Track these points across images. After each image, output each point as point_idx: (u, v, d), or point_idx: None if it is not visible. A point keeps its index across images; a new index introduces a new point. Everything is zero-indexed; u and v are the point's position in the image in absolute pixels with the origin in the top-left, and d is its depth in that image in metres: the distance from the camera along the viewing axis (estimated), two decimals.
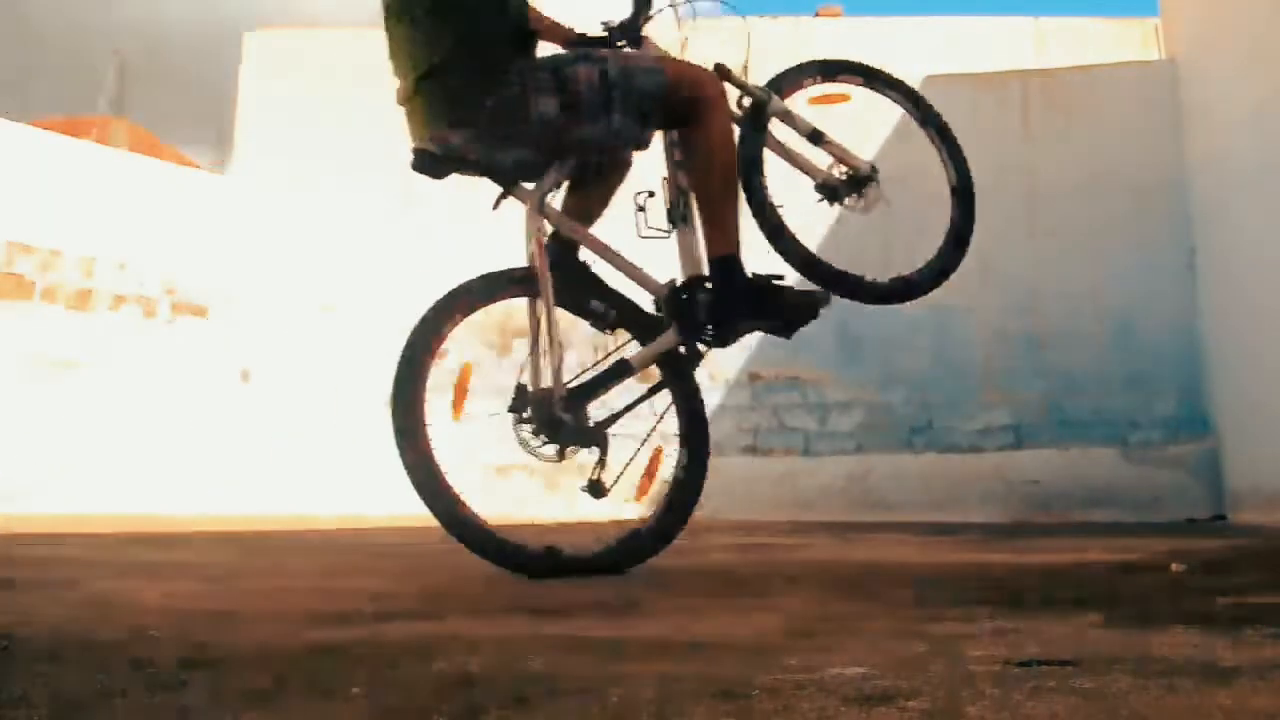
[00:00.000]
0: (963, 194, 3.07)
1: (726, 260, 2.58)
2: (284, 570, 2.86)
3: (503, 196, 2.68)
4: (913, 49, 9.40)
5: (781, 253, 2.80)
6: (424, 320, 2.48)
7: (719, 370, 7.47)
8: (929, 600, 2.12)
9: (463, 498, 2.47)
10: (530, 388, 2.54)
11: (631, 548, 2.62)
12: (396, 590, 2.38)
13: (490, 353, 7.94)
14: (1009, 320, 7.28)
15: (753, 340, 7.38)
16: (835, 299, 2.77)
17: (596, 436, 2.57)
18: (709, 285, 2.62)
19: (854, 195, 2.95)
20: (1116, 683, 1.17)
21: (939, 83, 7.68)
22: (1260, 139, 5.83)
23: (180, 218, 7.31)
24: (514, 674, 1.28)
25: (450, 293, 2.57)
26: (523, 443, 2.52)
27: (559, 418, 2.50)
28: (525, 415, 2.52)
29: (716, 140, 2.61)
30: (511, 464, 7.66)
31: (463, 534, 2.47)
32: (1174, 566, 2.66)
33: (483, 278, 2.63)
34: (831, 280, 2.83)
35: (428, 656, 1.40)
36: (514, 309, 7.94)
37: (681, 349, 2.69)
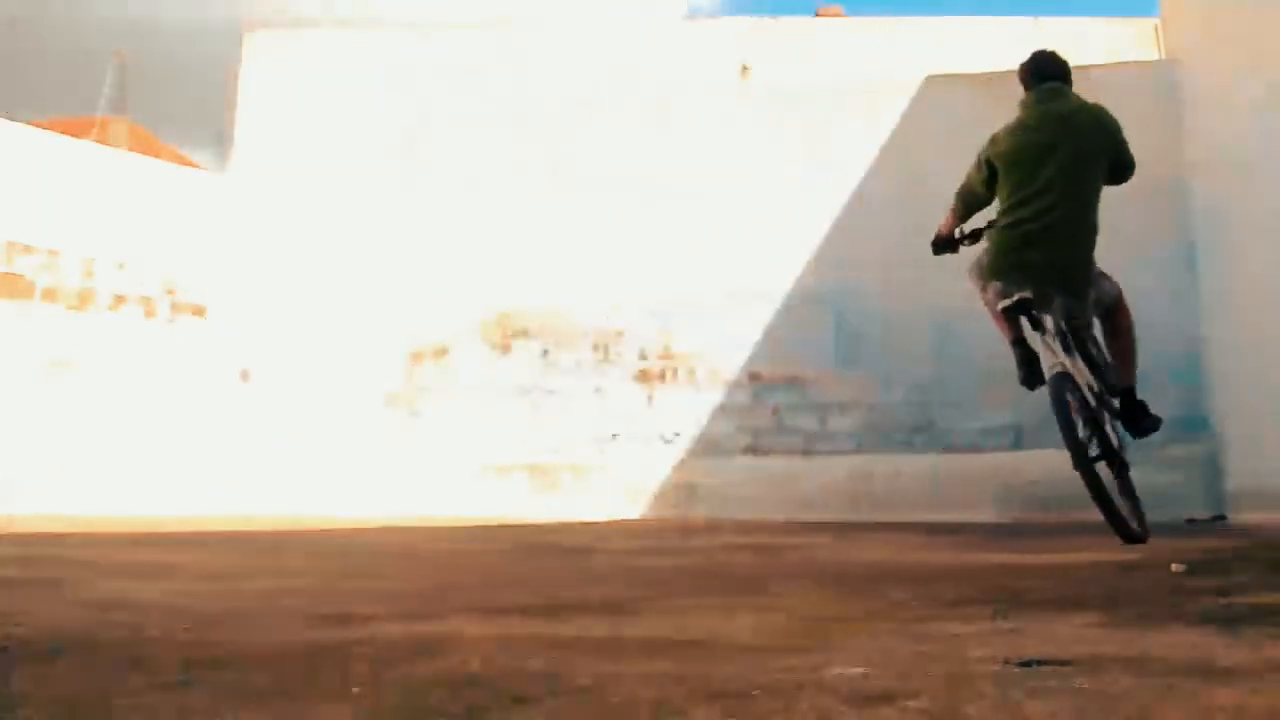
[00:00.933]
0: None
1: (1131, 389, 3.96)
2: (284, 570, 2.86)
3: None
4: (913, 49, 9.40)
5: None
6: (1059, 404, 3.75)
7: (719, 370, 7.47)
8: (929, 600, 2.12)
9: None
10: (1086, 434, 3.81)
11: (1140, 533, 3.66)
12: (397, 590, 2.38)
13: (493, 353, 7.95)
14: None
15: (753, 340, 7.36)
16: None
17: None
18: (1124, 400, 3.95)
19: None
20: (1116, 683, 1.17)
21: (939, 83, 7.68)
22: (1260, 139, 5.82)
23: (180, 217, 7.30)
24: (514, 674, 1.28)
25: (1061, 386, 3.72)
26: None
27: (1123, 459, 3.89)
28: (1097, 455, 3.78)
29: (1128, 321, 4.06)
30: (511, 464, 7.66)
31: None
32: (1174, 566, 2.66)
33: (1061, 376, 3.76)
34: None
35: (428, 656, 1.40)
36: (513, 314, 7.82)
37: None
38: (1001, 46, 9.26)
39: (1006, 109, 7.56)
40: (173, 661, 1.35)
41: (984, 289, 3.95)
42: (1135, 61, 8.38)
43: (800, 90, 8.02)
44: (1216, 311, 6.68)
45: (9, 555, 3.09)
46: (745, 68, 9.42)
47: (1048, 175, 3.72)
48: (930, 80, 7.69)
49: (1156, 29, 8.68)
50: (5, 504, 5.88)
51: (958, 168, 7.56)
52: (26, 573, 2.62)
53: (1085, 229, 3.82)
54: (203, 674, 1.28)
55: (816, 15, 10.75)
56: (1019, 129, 3.89)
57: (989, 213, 4.10)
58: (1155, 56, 8.63)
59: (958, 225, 4.25)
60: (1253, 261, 6.02)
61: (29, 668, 1.31)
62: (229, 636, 1.59)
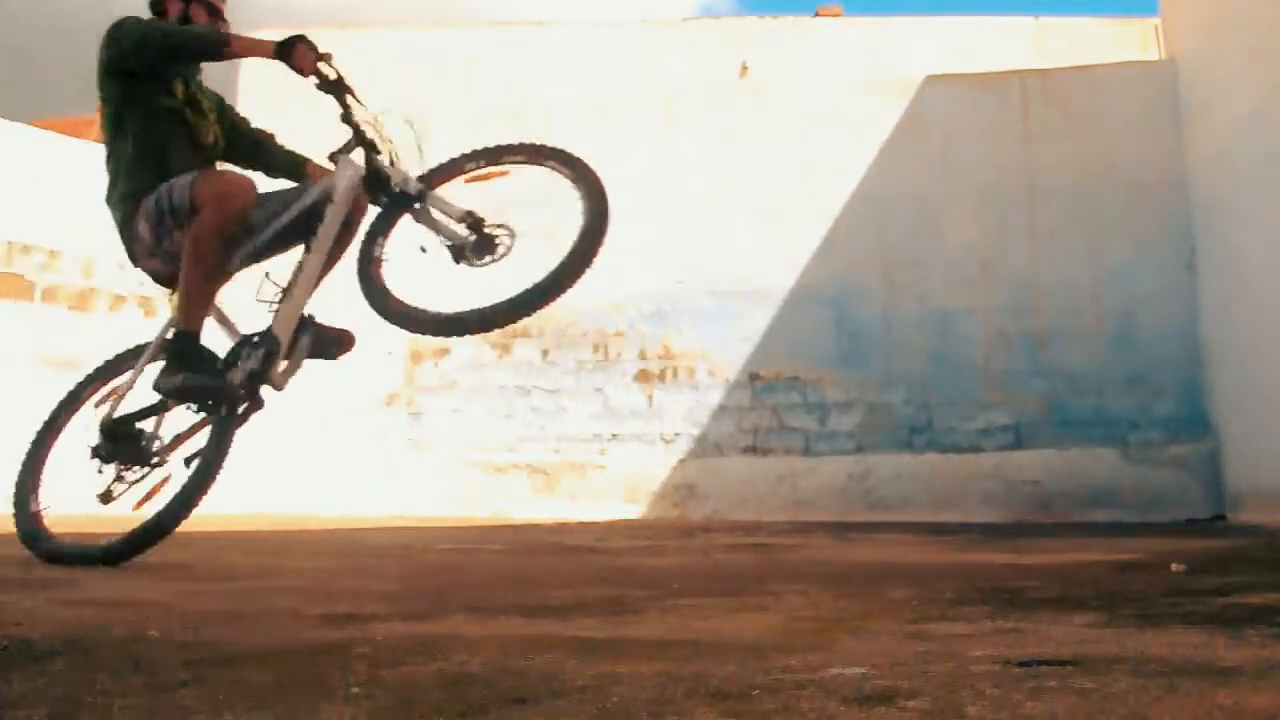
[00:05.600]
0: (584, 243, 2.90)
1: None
2: (284, 570, 2.86)
3: None
4: (913, 49, 9.41)
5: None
6: None
7: (719, 370, 7.47)
8: (929, 600, 2.12)
9: None
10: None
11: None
12: (396, 590, 2.38)
13: (493, 352, 7.95)
14: (1009, 320, 7.27)
15: (753, 340, 7.37)
16: None
17: None
18: None
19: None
20: (1116, 683, 1.17)
21: (939, 83, 7.68)
22: (1260, 139, 5.82)
23: None
24: (514, 674, 1.28)
25: None
26: None
27: None
28: None
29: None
30: (511, 464, 7.66)
31: None
32: (1174, 566, 2.66)
33: None
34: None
35: (428, 656, 1.40)
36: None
37: None
38: (1001, 46, 9.28)
39: (1007, 109, 7.62)
40: (173, 661, 1.35)
41: None
42: (1135, 61, 8.38)
43: (800, 90, 8.02)
44: (1216, 312, 6.68)
45: (9, 555, 3.09)
46: (745, 67, 9.42)
47: None
48: (930, 80, 7.69)
49: (1156, 29, 8.68)
50: (5, 504, 5.87)
51: (958, 168, 7.62)
52: (27, 573, 2.62)
53: None
54: (203, 674, 1.27)
55: (816, 15, 10.75)
56: None
57: None
58: (1155, 56, 8.62)
59: None
60: (1252, 261, 6.02)
61: (29, 668, 1.31)
62: (229, 636, 1.58)
